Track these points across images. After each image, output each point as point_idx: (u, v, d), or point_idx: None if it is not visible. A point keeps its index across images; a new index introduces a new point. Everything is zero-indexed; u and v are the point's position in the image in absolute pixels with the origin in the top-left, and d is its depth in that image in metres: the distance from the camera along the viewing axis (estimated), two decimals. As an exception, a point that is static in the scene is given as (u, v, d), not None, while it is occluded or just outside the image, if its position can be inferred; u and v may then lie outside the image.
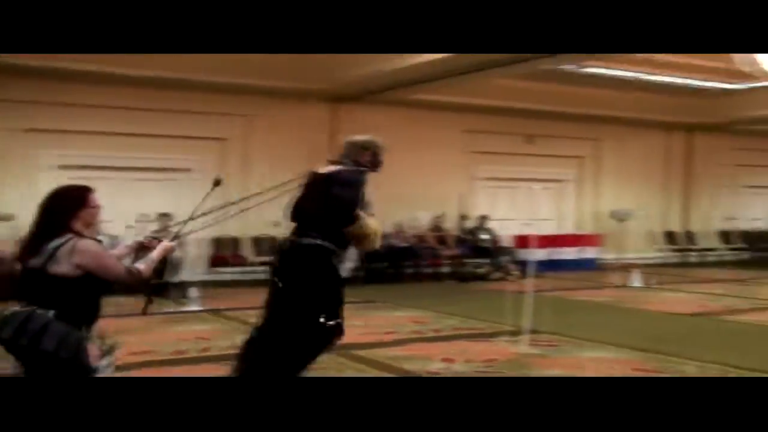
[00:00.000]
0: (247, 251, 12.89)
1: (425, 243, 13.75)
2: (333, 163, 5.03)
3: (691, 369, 6.35)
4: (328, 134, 13.11)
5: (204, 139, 12.91)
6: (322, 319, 4.72)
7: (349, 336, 5.11)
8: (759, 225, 18.96)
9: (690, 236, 17.45)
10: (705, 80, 14.46)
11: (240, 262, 12.60)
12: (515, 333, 7.73)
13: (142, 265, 3.85)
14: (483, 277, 13.45)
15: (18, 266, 3.76)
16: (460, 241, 14.34)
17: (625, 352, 7.12)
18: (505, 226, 15.18)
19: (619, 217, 16.44)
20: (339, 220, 4.79)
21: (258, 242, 12.68)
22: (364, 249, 5.19)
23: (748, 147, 18.83)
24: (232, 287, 11.59)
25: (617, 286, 12.59)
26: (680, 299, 10.99)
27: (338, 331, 4.84)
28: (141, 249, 4.18)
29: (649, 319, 9.11)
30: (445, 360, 6.70)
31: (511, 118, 15.40)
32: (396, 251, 13.14)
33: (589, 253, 15.79)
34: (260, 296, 5.00)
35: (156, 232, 6.32)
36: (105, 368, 3.75)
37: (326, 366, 5.64)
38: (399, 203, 13.81)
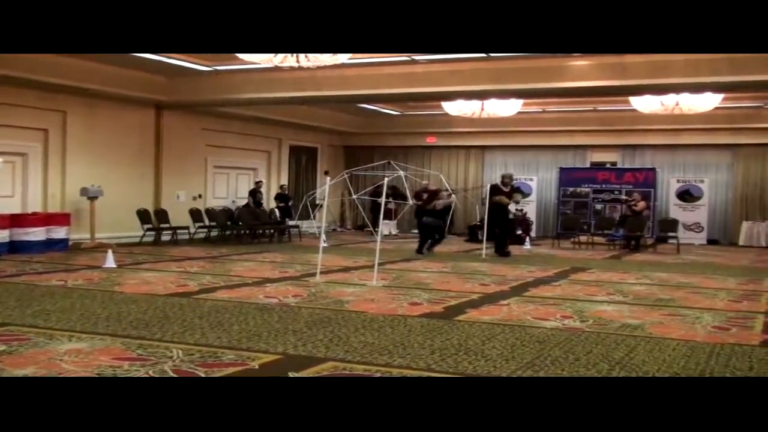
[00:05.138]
0: None
1: None
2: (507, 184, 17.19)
3: (177, 353, 6.08)
4: None
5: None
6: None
7: None
8: (222, 203, 19.89)
9: (162, 214, 17.41)
10: (175, 59, 14.45)
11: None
12: (-25, 329, 6.69)
13: None
14: (-70, 264, 11.56)
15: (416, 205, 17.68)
16: None
17: (105, 340, 6.57)
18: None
19: (90, 194, 15.73)
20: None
21: None
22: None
23: (215, 128, 19.58)
24: None
25: (91, 268, 11.90)
26: (157, 279, 10.77)
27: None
28: None
29: (127, 303, 8.65)
30: None
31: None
32: None
33: (59, 233, 14.69)
34: None
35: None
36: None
37: None
38: None
